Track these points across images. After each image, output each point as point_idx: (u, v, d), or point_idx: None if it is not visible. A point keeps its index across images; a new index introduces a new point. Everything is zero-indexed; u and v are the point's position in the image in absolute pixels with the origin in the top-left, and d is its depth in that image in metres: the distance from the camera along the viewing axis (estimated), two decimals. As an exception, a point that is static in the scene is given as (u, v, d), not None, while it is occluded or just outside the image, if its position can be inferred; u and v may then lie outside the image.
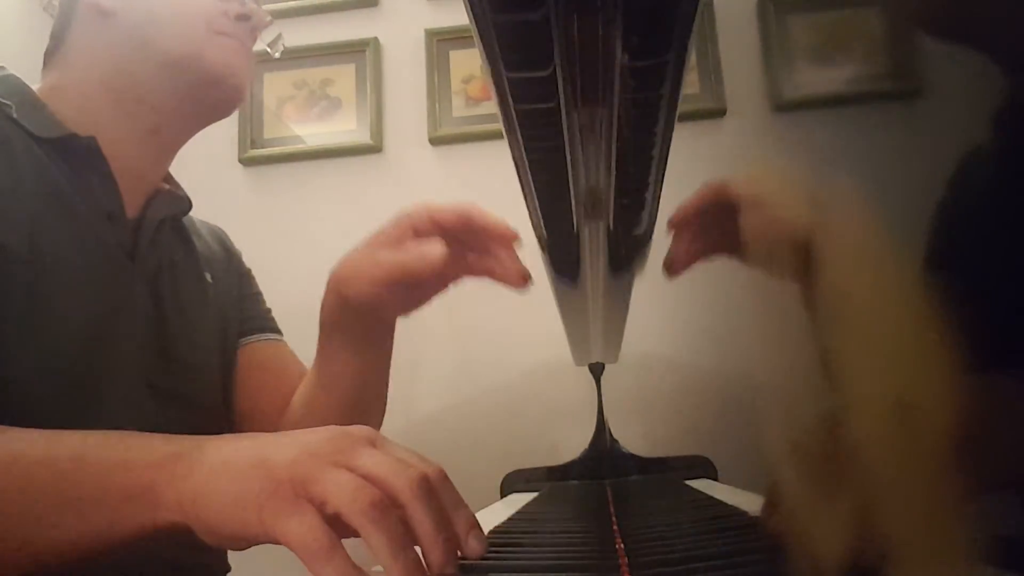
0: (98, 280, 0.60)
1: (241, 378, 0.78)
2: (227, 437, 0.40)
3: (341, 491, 0.33)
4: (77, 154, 0.61)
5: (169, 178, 0.75)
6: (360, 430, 0.39)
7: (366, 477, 0.34)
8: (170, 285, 0.69)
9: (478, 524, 0.37)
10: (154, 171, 0.71)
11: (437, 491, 0.36)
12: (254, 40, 0.72)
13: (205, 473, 0.37)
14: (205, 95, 0.68)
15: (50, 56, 0.67)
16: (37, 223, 0.56)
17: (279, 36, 0.79)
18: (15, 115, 0.59)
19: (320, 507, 0.33)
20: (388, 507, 0.33)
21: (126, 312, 0.62)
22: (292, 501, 0.33)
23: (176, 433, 0.66)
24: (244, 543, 0.36)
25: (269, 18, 0.73)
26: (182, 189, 0.76)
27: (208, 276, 0.75)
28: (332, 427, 0.39)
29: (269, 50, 0.79)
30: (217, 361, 0.75)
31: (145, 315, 0.65)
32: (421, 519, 0.34)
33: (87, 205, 0.60)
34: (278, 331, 0.86)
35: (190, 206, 0.76)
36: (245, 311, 0.82)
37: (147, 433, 0.42)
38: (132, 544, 0.38)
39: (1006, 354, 0.38)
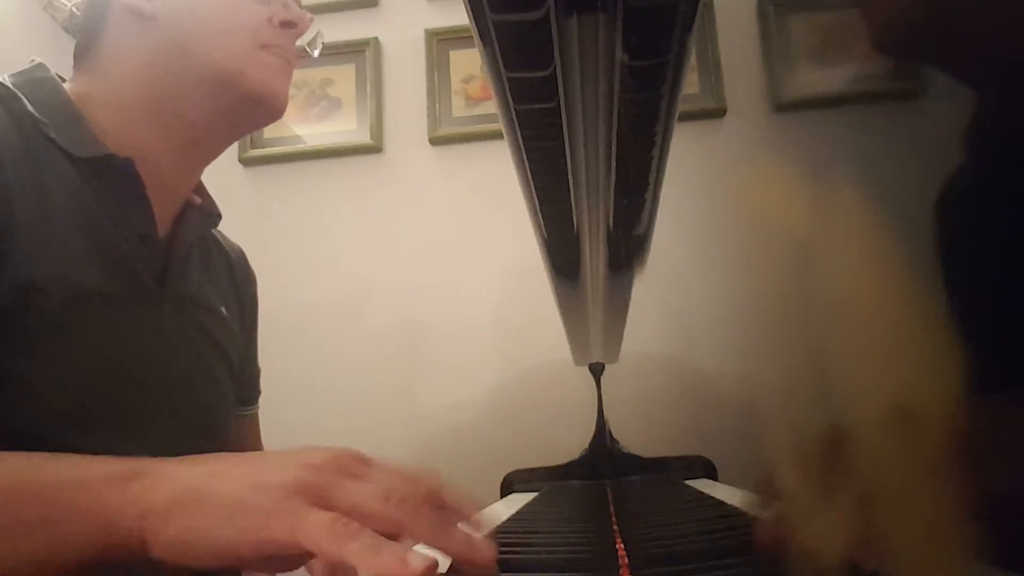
0: (128, 309, 0.58)
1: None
2: (200, 456, 0.39)
3: (371, 493, 0.34)
4: (113, 174, 0.58)
5: (200, 187, 0.72)
6: (350, 449, 0.39)
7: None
8: (197, 311, 0.67)
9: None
10: (187, 184, 0.68)
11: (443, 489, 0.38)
12: (294, 48, 0.69)
13: (182, 484, 0.35)
14: (245, 112, 0.66)
15: (81, 56, 0.63)
16: (69, 257, 0.54)
17: (318, 34, 0.75)
18: (52, 134, 0.56)
19: (344, 510, 0.33)
20: (416, 499, 0.35)
21: (154, 341, 0.61)
22: (307, 507, 0.33)
23: None
24: (221, 560, 0.34)
25: (311, 16, 0.70)
26: (212, 201, 0.73)
27: (223, 309, 0.73)
28: (319, 446, 0.39)
29: (308, 49, 0.75)
30: (231, 396, 0.74)
31: (172, 342, 0.63)
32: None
33: (120, 227, 0.58)
34: (259, 395, 0.85)
35: (219, 219, 0.74)
36: (245, 371, 0.79)
37: (99, 456, 0.41)
38: (85, 564, 0.37)
39: (1001, 374, 0.38)
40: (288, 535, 0.32)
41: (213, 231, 0.77)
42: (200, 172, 0.70)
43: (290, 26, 0.66)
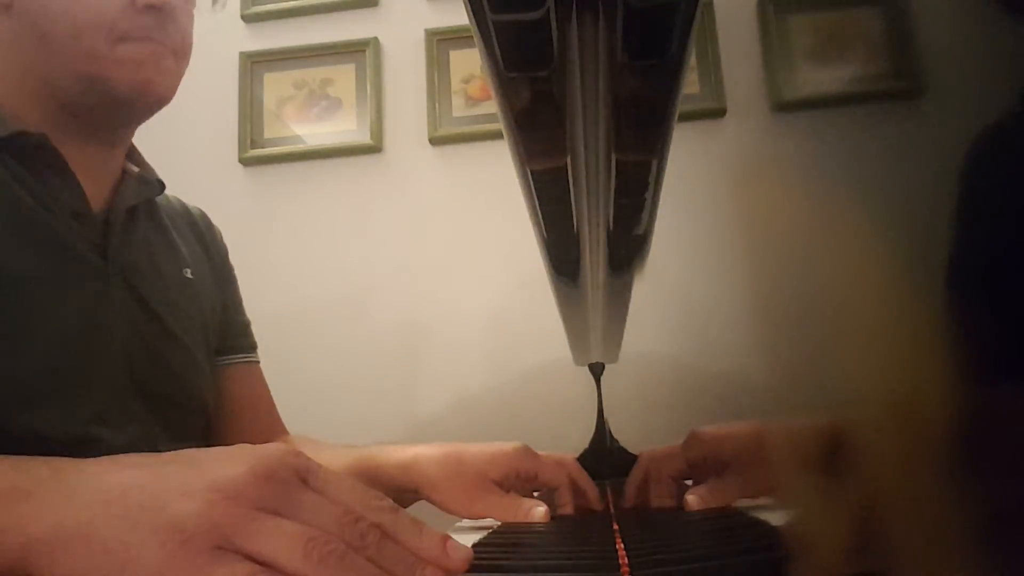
0: (71, 289, 0.57)
1: (217, 402, 0.75)
2: (106, 461, 0.32)
3: (292, 538, 0.28)
4: (29, 152, 0.56)
5: (134, 154, 0.70)
6: (284, 460, 0.31)
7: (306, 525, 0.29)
8: (150, 279, 0.65)
9: (448, 538, 0.33)
10: (111, 159, 0.66)
11: (394, 527, 0.31)
12: (174, 27, 0.62)
13: (71, 512, 0.28)
14: (122, 108, 0.61)
15: None
16: (1, 247, 0.52)
17: None
18: None
19: (250, 557, 0.27)
20: (347, 552, 0.28)
21: (104, 316, 0.59)
22: (209, 554, 0.26)
23: (168, 439, 0.63)
24: None
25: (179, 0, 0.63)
26: (151, 169, 0.71)
27: (188, 272, 0.71)
28: (246, 453, 0.31)
29: (213, 6, 0.71)
30: (204, 362, 0.72)
31: (125, 314, 0.61)
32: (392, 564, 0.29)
33: (48, 207, 0.56)
34: (255, 347, 0.84)
35: (162, 188, 0.72)
36: (227, 322, 0.78)
37: None
38: None
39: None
40: None
41: (173, 198, 0.76)
42: (124, 145, 0.67)
43: (153, 10, 0.59)
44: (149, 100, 0.62)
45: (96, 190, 0.62)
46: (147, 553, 0.26)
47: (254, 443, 0.79)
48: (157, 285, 0.66)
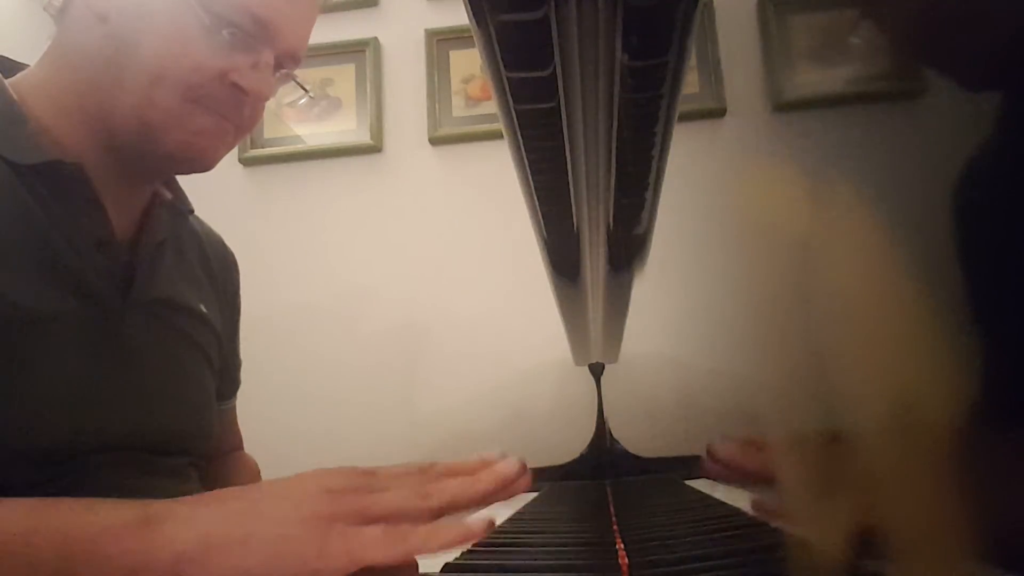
0: (84, 327, 0.54)
1: None
2: (215, 496, 0.37)
3: (404, 495, 0.35)
4: (60, 181, 0.54)
5: (170, 180, 0.68)
6: (344, 467, 0.39)
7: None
8: (171, 316, 0.64)
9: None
10: (145, 190, 0.64)
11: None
12: (249, 111, 0.62)
13: (212, 528, 0.33)
14: (163, 161, 0.60)
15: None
16: (14, 279, 0.50)
17: (302, 95, 0.70)
18: None
19: (387, 519, 0.34)
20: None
21: (119, 355, 0.57)
22: (354, 527, 0.33)
23: (177, 488, 0.61)
24: None
25: (269, 92, 0.62)
26: (183, 196, 0.69)
27: (203, 307, 0.70)
28: (317, 470, 0.38)
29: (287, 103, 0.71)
30: (213, 396, 0.71)
31: (143, 351, 0.59)
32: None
33: (71, 237, 0.54)
34: (238, 387, 0.82)
35: (191, 213, 0.71)
36: (226, 365, 0.76)
37: (109, 499, 0.37)
38: None
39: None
40: (345, 558, 0.32)
41: (192, 218, 0.73)
42: (158, 183, 0.65)
43: (239, 90, 0.59)
44: (190, 165, 0.61)
45: (124, 217, 0.61)
46: (306, 536, 0.32)
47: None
48: (178, 320, 0.65)
